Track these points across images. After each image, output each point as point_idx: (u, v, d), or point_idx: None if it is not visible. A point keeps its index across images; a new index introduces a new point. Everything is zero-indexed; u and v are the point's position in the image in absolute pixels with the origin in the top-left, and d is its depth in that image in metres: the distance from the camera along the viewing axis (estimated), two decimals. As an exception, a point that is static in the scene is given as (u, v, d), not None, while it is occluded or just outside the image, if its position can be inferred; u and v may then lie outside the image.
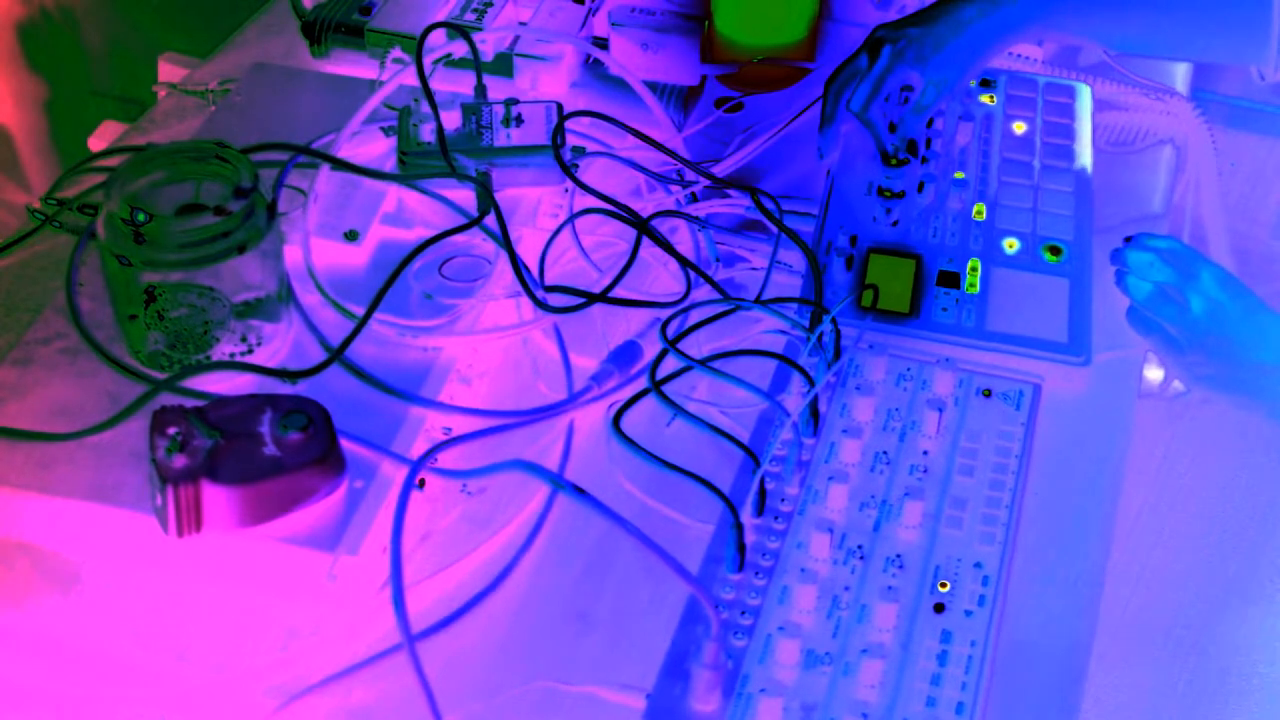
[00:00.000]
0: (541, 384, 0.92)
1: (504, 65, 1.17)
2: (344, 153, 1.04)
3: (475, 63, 1.09)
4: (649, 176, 1.06)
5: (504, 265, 0.97)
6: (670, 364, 0.88)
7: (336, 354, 0.90)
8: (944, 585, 0.78)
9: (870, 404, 0.88)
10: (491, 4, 1.20)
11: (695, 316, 0.94)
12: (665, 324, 0.90)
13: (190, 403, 0.81)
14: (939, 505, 0.82)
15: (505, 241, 0.97)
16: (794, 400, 0.89)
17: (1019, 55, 1.20)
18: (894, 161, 1.04)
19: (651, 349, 0.92)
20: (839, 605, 0.76)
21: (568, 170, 1.02)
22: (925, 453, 0.86)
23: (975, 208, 1.04)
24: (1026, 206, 1.04)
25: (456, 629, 0.78)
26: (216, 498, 0.77)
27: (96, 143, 1.18)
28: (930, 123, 1.10)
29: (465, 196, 1.02)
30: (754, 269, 1.01)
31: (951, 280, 0.98)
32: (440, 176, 1.02)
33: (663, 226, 1.01)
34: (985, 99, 1.14)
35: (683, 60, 1.16)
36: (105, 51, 1.71)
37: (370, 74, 1.16)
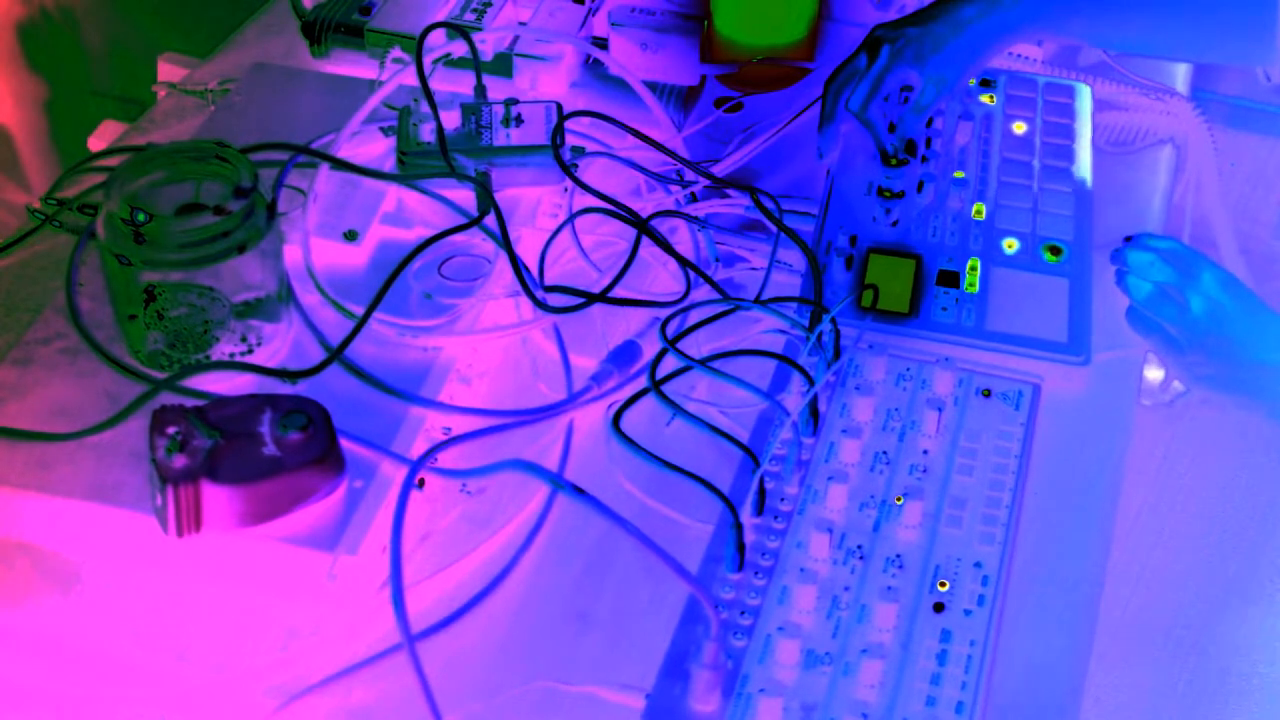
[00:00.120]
0: (541, 384, 0.92)
1: (503, 65, 1.17)
2: (344, 153, 1.04)
3: (475, 63, 1.09)
4: (648, 176, 1.06)
5: (503, 265, 0.97)
6: (670, 364, 0.88)
7: (336, 354, 0.90)
8: (944, 585, 0.78)
9: (870, 404, 0.88)
10: (491, 4, 1.20)
11: (695, 316, 0.94)
12: (665, 324, 0.90)
13: (190, 402, 0.81)
14: (939, 505, 0.82)
15: (505, 241, 0.97)
16: (794, 400, 0.89)
17: (1019, 55, 1.20)
18: (893, 161, 1.04)
19: (651, 349, 0.92)
20: (839, 605, 0.76)
21: (567, 170, 1.02)
22: (925, 452, 0.86)
23: (975, 207, 1.04)
24: (1026, 206, 1.04)
25: (456, 629, 0.78)
26: (216, 497, 0.77)
27: (96, 143, 1.18)
28: (930, 122, 1.10)
29: (465, 196, 1.02)
30: (754, 269, 1.01)
31: (951, 280, 0.98)
32: (440, 176, 1.02)
33: (662, 226, 1.01)
34: (985, 99, 1.14)
35: (682, 60, 1.16)
36: (105, 51, 1.71)
37: (370, 74, 1.16)
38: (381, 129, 1.08)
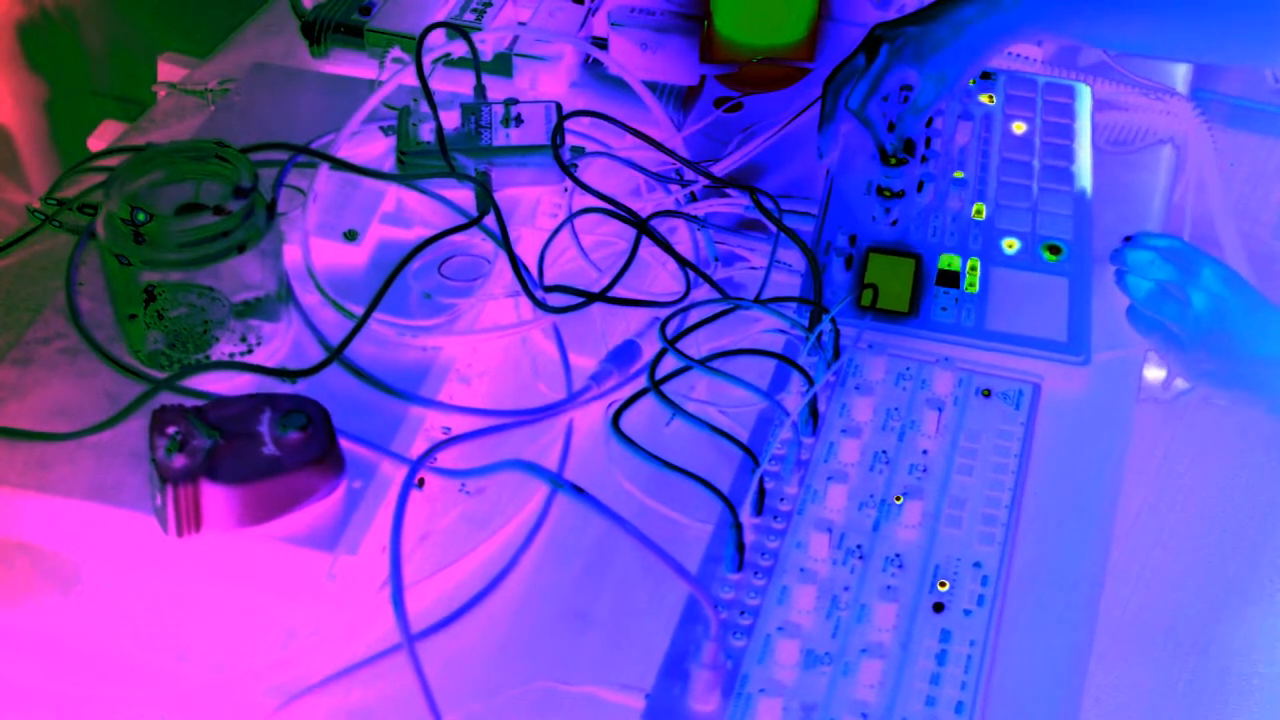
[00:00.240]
0: (541, 383, 0.92)
1: (503, 65, 1.17)
2: (343, 152, 1.04)
3: (474, 62, 1.09)
4: (648, 176, 1.06)
5: (503, 265, 0.97)
6: (669, 363, 0.88)
7: (336, 354, 0.90)
8: (943, 585, 0.78)
9: (869, 403, 0.88)
10: (491, 4, 1.21)
11: (694, 316, 0.94)
12: (664, 323, 0.90)
13: (190, 402, 0.81)
14: (938, 505, 0.82)
15: (504, 241, 0.97)
16: (793, 400, 0.89)
17: (1018, 55, 1.20)
18: (893, 161, 1.04)
19: (650, 348, 0.92)
20: (838, 605, 0.76)
21: (567, 170, 1.02)
22: (925, 452, 0.86)
23: (975, 207, 1.04)
24: (1026, 206, 1.04)
25: (456, 629, 0.78)
26: (216, 497, 0.77)
27: (96, 143, 1.18)
28: (930, 122, 1.10)
29: (464, 196, 1.02)
30: (753, 268, 1.01)
31: (951, 280, 0.98)
32: (439, 176, 1.02)
33: (662, 226, 1.01)
34: (985, 99, 1.14)
35: (682, 60, 1.16)
36: (105, 51, 1.71)
37: (370, 74, 1.16)
38: (381, 129, 1.08)
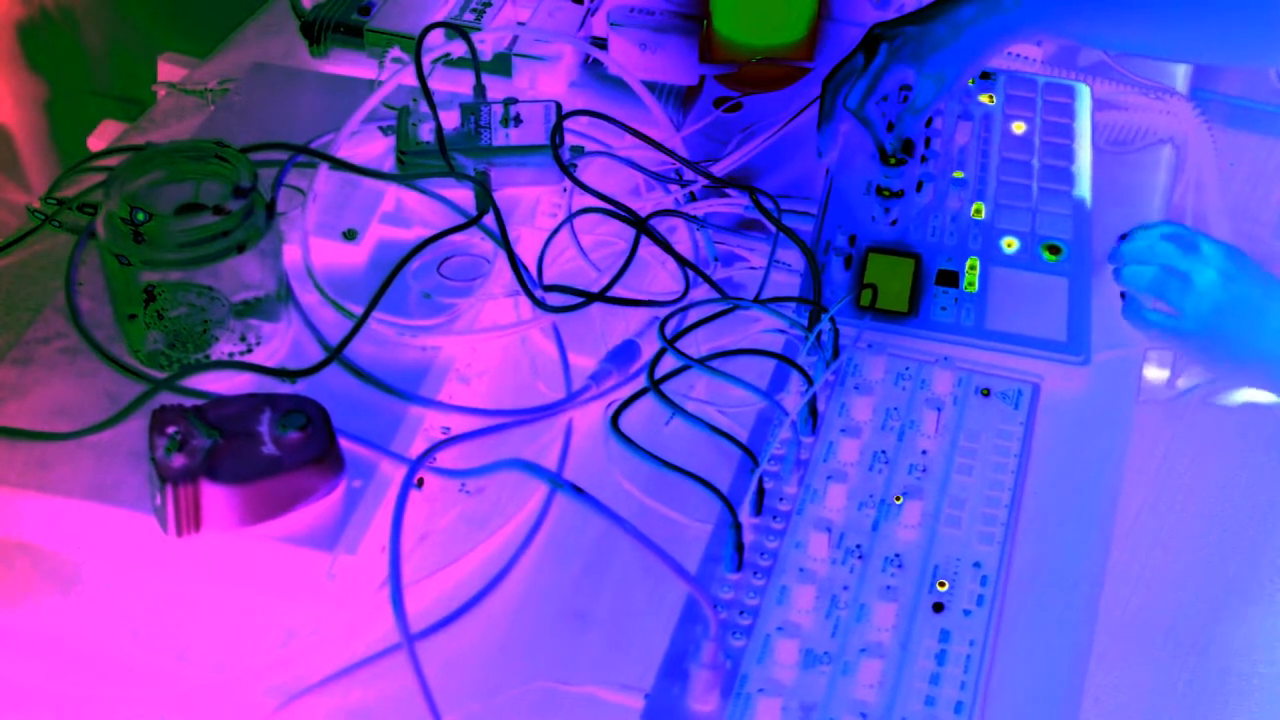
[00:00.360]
0: (540, 383, 0.92)
1: (503, 65, 1.17)
2: (343, 152, 1.04)
3: (474, 62, 1.09)
4: (648, 176, 1.06)
5: (502, 264, 0.97)
6: (669, 363, 0.88)
7: (335, 353, 0.90)
8: (943, 585, 0.78)
9: (869, 403, 0.88)
10: (490, 4, 1.21)
11: (694, 316, 0.94)
12: (664, 323, 0.90)
13: (189, 402, 0.81)
14: (938, 504, 0.82)
15: (504, 241, 0.97)
16: (792, 399, 0.89)
17: (1018, 55, 1.20)
18: (892, 161, 1.04)
19: (650, 348, 0.92)
20: (838, 605, 0.76)
21: (566, 170, 1.02)
22: (924, 452, 0.86)
23: (974, 207, 1.04)
24: (1025, 206, 1.04)
25: (455, 629, 0.78)
26: (216, 497, 0.77)
27: (96, 142, 1.18)
28: (929, 122, 1.10)
29: (464, 196, 1.02)
30: (753, 268, 1.01)
31: (950, 279, 0.98)
32: (439, 176, 1.02)
33: (661, 226, 1.01)
34: (984, 98, 1.14)
35: (681, 60, 1.16)
36: (105, 51, 1.71)
37: (369, 74, 1.16)
38: (381, 129, 1.08)
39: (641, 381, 0.89)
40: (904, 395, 0.89)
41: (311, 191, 1.00)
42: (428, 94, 1.04)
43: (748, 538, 0.79)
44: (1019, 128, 1.12)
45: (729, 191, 1.05)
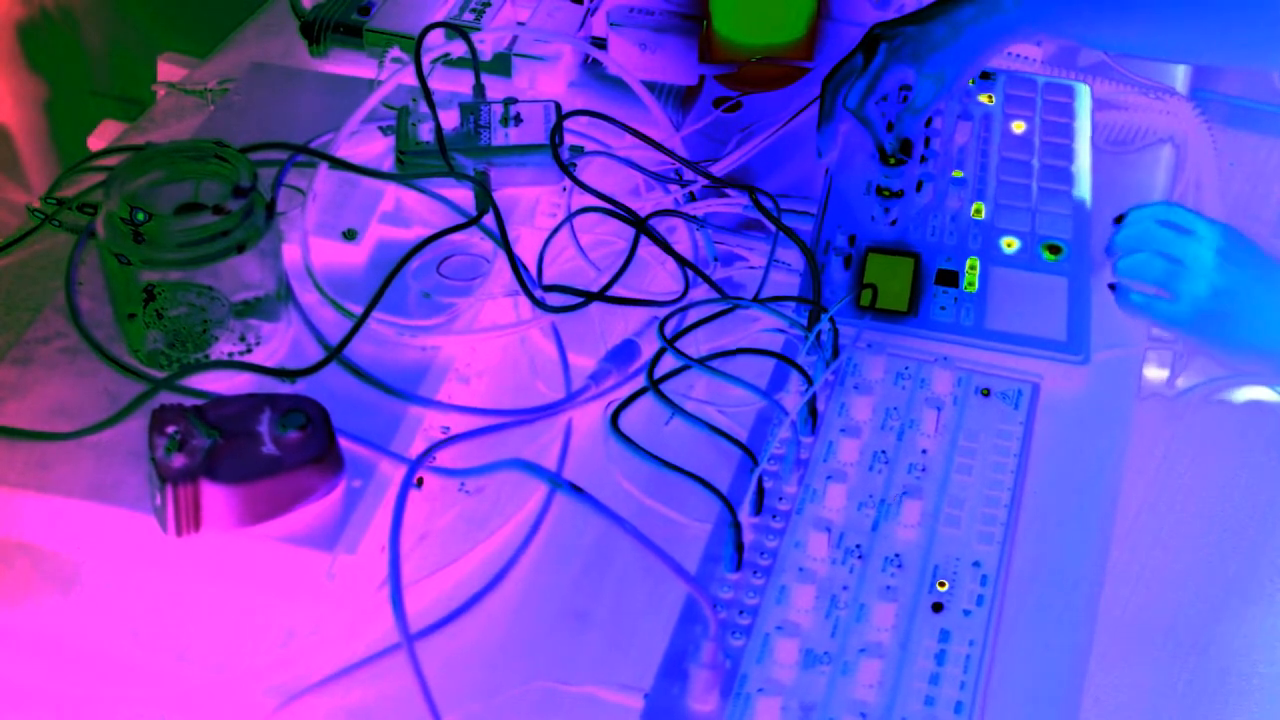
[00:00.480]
0: (539, 383, 0.92)
1: (502, 65, 1.17)
2: (342, 152, 1.04)
3: (473, 62, 1.09)
4: (647, 176, 1.06)
5: (502, 264, 0.97)
6: (668, 363, 0.88)
7: (335, 353, 0.90)
8: (942, 584, 0.78)
9: (868, 403, 0.88)
10: (490, 4, 1.21)
11: (693, 315, 0.94)
12: (663, 323, 0.90)
13: (189, 402, 0.81)
14: (937, 504, 0.82)
15: (503, 240, 0.97)
16: (792, 399, 0.89)
17: (1018, 55, 1.20)
18: (892, 160, 1.04)
19: (649, 348, 0.92)
20: (837, 605, 0.76)
21: (566, 169, 1.02)
22: (924, 452, 0.86)
23: (974, 206, 1.04)
24: (1025, 205, 1.04)
25: (455, 628, 0.78)
26: (215, 497, 0.77)
27: (96, 142, 1.18)
28: (929, 122, 1.10)
29: (463, 195, 1.02)
30: (752, 268, 1.01)
31: (950, 279, 0.98)
32: (438, 176, 1.02)
33: (661, 225, 1.01)
34: (984, 98, 1.14)
35: (681, 60, 1.16)
36: (105, 51, 1.71)
37: (369, 74, 1.16)
38: (380, 128, 1.08)
39: (641, 381, 0.89)
40: (904, 395, 0.89)
41: (311, 191, 1.00)
42: (427, 94, 1.04)
43: (747, 537, 0.79)
44: (1019, 127, 1.12)
45: (728, 191, 1.05)
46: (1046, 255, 1.00)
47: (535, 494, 0.85)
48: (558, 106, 1.05)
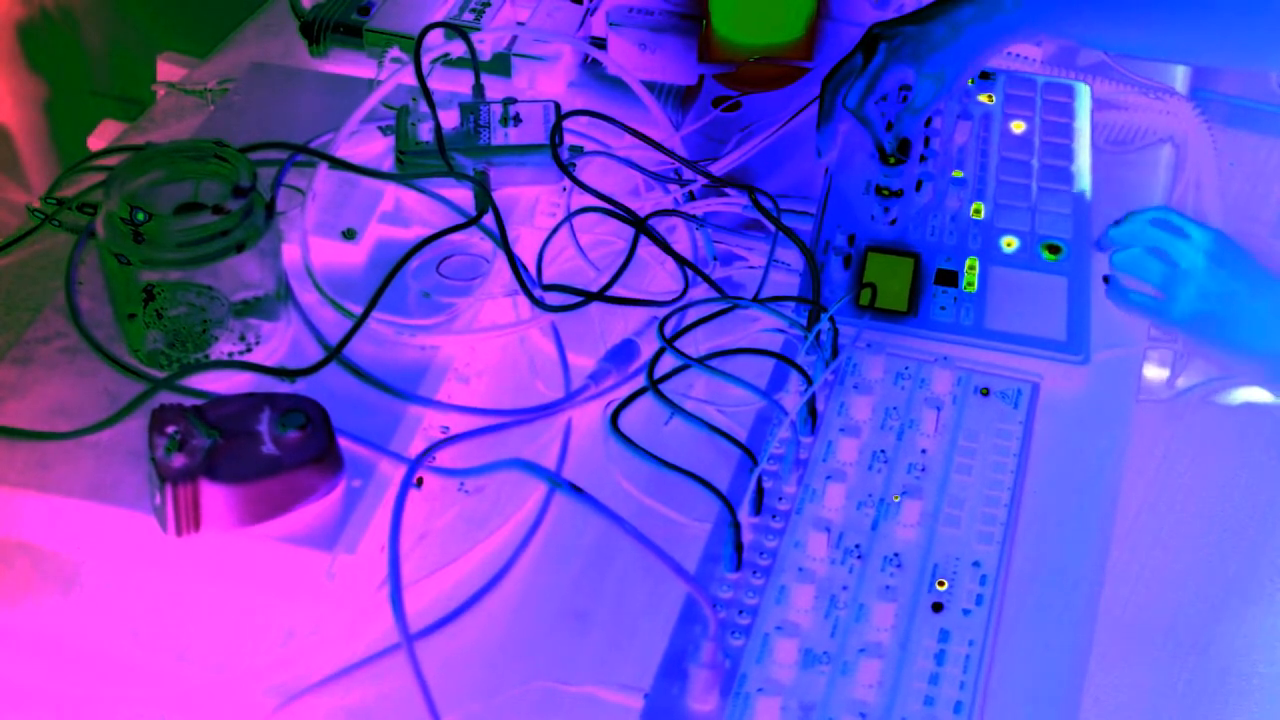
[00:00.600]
0: (539, 382, 0.92)
1: (502, 65, 1.17)
2: (342, 152, 1.04)
3: (473, 62, 1.09)
4: (647, 175, 1.06)
5: (501, 264, 0.97)
6: (668, 362, 0.88)
7: (335, 353, 0.90)
8: (942, 584, 0.78)
9: (868, 403, 0.88)
10: (489, 4, 1.21)
11: (693, 315, 0.94)
12: (663, 323, 0.90)
13: (189, 401, 0.81)
14: (937, 504, 0.82)
15: (503, 240, 0.97)
16: (792, 399, 0.89)
17: (1018, 55, 1.20)
18: (891, 160, 1.04)
19: (649, 348, 0.92)
20: (837, 604, 0.76)
21: (565, 169, 1.02)
22: (923, 451, 0.86)
23: (974, 206, 1.04)
24: (1025, 205, 1.04)
25: (454, 628, 0.78)
26: (215, 496, 0.77)
27: (96, 142, 1.18)
28: (929, 122, 1.10)
29: (463, 195, 1.02)
30: (752, 268, 1.01)
31: (949, 279, 0.98)
32: (438, 175, 1.02)
33: (660, 225, 1.01)
34: (984, 98, 1.14)
35: (680, 60, 1.16)
36: (105, 51, 1.71)
37: (368, 73, 1.16)
38: (380, 128, 1.08)
39: (640, 381, 0.89)
40: (903, 395, 0.89)
41: (311, 191, 1.00)
42: (427, 94, 1.04)
43: (747, 537, 0.79)
44: (1018, 127, 1.12)
45: (728, 191, 1.05)
46: (1046, 255, 1.00)
47: (535, 494, 0.85)
48: (557, 106, 1.05)
